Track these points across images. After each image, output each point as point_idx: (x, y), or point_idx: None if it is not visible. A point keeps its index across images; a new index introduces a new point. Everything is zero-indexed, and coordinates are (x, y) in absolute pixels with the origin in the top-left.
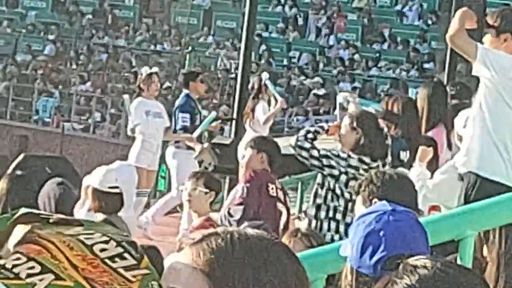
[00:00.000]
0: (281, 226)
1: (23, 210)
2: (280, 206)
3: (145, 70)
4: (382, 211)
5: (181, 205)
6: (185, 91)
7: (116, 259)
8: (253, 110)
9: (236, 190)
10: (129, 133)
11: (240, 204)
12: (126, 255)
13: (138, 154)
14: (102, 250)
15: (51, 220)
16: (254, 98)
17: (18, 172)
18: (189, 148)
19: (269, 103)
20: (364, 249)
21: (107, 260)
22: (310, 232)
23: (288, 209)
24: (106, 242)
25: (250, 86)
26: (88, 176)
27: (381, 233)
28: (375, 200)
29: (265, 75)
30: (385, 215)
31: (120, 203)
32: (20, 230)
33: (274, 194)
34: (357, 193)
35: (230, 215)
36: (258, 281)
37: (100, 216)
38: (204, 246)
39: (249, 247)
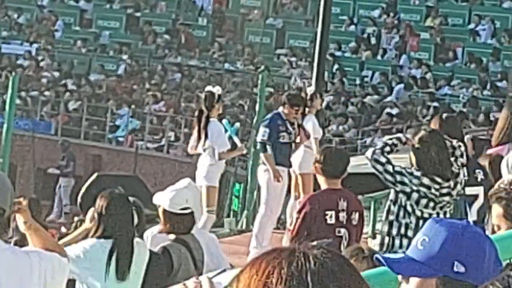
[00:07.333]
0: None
1: None
2: (337, 231)
3: (217, 90)
4: (459, 225)
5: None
6: (279, 109)
7: None
8: (303, 127)
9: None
10: (216, 157)
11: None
12: None
13: (212, 174)
14: None
15: None
16: (303, 113)
17: (117, 191)
18: (280, 165)
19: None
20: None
21: None
22: (371, 254)
23: (352, 230)
24: None
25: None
26: (158, 195)
27: (462, 245)
28: None
29: (313, 88)
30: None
31: (192, 222)
32: None
33: (332, 222)
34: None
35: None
36: None
37: (171, 237)
38: None
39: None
